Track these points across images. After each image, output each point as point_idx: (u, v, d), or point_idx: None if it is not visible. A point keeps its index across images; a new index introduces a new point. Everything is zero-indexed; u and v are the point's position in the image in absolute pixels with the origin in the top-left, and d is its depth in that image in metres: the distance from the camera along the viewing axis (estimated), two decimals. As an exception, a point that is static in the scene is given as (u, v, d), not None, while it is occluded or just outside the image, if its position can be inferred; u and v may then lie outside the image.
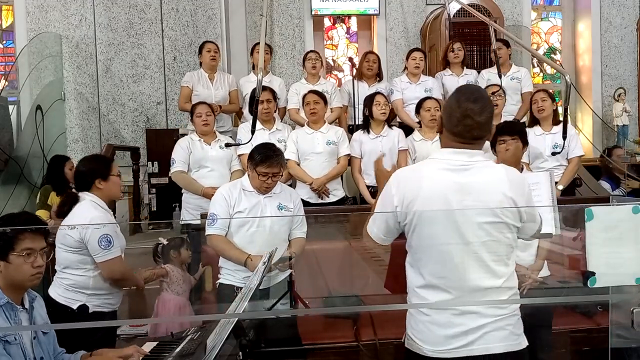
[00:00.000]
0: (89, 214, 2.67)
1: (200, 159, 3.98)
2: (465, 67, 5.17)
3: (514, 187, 1.87)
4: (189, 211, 3.99)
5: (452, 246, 1.83)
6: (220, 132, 4.53)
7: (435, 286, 1.85)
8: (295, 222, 3.04)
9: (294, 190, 3.30)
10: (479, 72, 5.23)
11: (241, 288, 2.83)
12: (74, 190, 2.89)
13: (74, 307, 2.65)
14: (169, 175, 4.12)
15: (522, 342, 1.88)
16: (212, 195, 3.80)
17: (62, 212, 2.77)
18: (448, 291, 1.84)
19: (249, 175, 3.01)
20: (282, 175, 3.05)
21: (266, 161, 2.90)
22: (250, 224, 2.95)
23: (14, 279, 1.95)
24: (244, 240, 2.91)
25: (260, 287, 2.86)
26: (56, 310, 2.62)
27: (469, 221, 1.81)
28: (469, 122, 1.85)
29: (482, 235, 1.81)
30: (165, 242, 3.48)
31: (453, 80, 5.05)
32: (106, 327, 2.58)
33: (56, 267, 2.73)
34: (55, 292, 2.68)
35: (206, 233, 2.98)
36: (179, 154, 3.97)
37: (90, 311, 2.67)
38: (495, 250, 1.83)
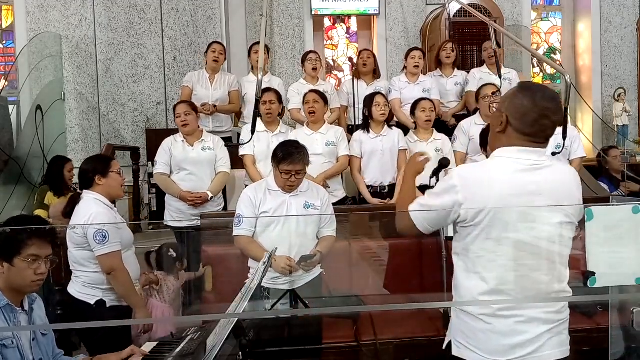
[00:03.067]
0: (90, 210, 2.72)
1: (180, 161, 3.89)
2: (456, 69, 5.17)
3: (577, 183, 1.86)
4: (170, 213, 3.96)
5: (525, 249, 1.76)
6: (219, 132, 4.52)
7: (501, 292, 1.77)
8: (324, 220, 3.00)
9: (322, 187, 3.25)
10: (468, 72, 5.23)
11: (269, 288, 2.87)
12: (77, 190, 2.93)
13: (92, 302, 2.71)
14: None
15: (569, 348, 1.85)
16: (189, 199, 3.82)
17: (67, 212, 2.83)
18: (514, 296, 1.77)
19: (273, 174, 3.00)
20: (305, 173, 3.01)
21: (288, 158, 2.88)
22: (275, 224, 2.93)
23: (15, 282, 1.95)
24: (270, 240, 2.89)
25: (286, 288, 2.87)
26: (76, 306, 2.71)
27: (543, 222, 1.75)
28: (545, 122, 1.77)
29: (555, 236, 1.76)
30: (174, 254, 3.52)
31: (442, 81, 5.07)
32: (124, 320, 2.66)
33: (71, 267, 2.78)
34: (74, 289, 2.75)
35: (233, 234, 2.97)
36: (161, 155, 3.91)
37: (107, 305, 2.73)
38: (564, 252, 1.78)
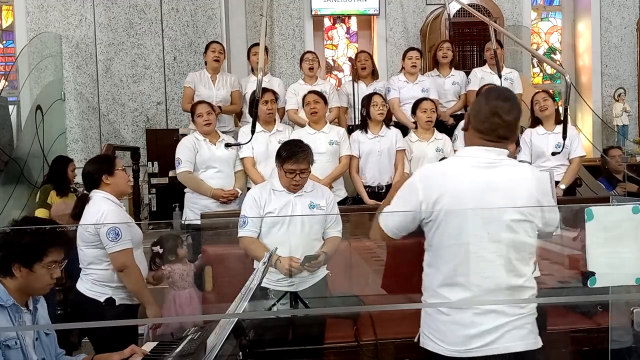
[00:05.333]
0: (102, 208, 2.74)
1: (208, 159, 3.89)
2: (453, 68, 5.16)
3: (540, 186, 1.89)
4: (194, 211, 3.90)
5: (478, 243, 1.82)
6: (222, 133, 4.53)
7: (456, 284, 1.84)
8: (329, 221, 2.98)
9: (326, 188, 3.24)
10: (468, 73, 5.22)
11: (274, 290, 2.87)
12: (78, 190, 2.94)
13: (102, 299, 2.72)
14: (174, 175, 4.05)
15: (538, 342, 1.88)
16: (221, 196, 3.82)
17: (76, 214, 2.84)
18: (469, 289, 1.83)
19: (278, 174, 2.98)
20: (310, 172, 2.99)
21: (292, 157, 2.86)
22: (280, 224, 2.91)
23: (31, 286, 1.98)
24: (275, 240, 2.87)
25: (291, 290, 2.87)
26: (85, 304, 2.73)
27: (496, 219, 1.81)
28: (496, 120, 1.85)
29: (508, 233, 1.81)
30: (160, 250, 3.46)
31: (440, 81, 5.05)
32: (127, 320, 2.68)
33: (80, 265, 2.80)
34: (84, 286, 2.76)
35: (238, 235, 2.95)
36: (185, 154, 3.86)
37: (117, 303, 2.74)
38: (520, 248, 1.83)
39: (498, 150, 1.87)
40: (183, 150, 3.89)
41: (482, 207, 1.81)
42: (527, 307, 1.86)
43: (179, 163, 3.89)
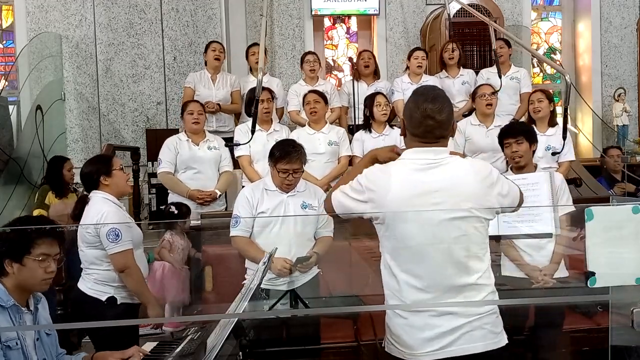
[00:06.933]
0: (102, 209, 2.75)
1: (188, 159, 3.91)
2: (461, 68, 5.14)
3: (480, 176, 1.87)
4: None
5: (424, 245, 1.82)
6: (222, 132, 4.54)
7: (411, 286, 1.83)
8: (321, 221, 2.99)
9: (319, 188, 3.25)
10: (477, 72, 5.21)
11: (267, 289, 2.88)
12: (77, 190, 2.94)
13: (103, 299, 2.73)
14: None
15: (502, 340, 1.87)
16: (197, 197, 3.84)
17: (76, 215, 2.85)
18: (425, 291, 1.82)
19: (270, 174, 3.00)
20: (303, 172, 3.02)
21: (286, 157, 2.88)
22: (273, 224, 2.93)
23: (26, 282, 1.97)
24: (268, 240, 2.89)
25: (284, 289, 2.89)
26: (87, 303, 2.74)
27: (439, 218, 1.81)
28: (430, 123, 1.85)
29: (453, 231, 1.81)
30: (175, 211, 3.64)
31: (449, 82, 5.02)
32: (128, 320, 2.68)
33: (82, 265, 2.81)
34: (85, 285, 2.77)
35: (230, 234, 2.97)
36: (166, 154, 3.90)
37: (118, 303, 2.75)
38: (467, 245, 1.82)
39: (436, 149, 1.88)
40: (164, 151, 3.93)
41: (424, 208, 1.81)
42: (487, 306, 1.85)
43: (159, 163, 3.94)
